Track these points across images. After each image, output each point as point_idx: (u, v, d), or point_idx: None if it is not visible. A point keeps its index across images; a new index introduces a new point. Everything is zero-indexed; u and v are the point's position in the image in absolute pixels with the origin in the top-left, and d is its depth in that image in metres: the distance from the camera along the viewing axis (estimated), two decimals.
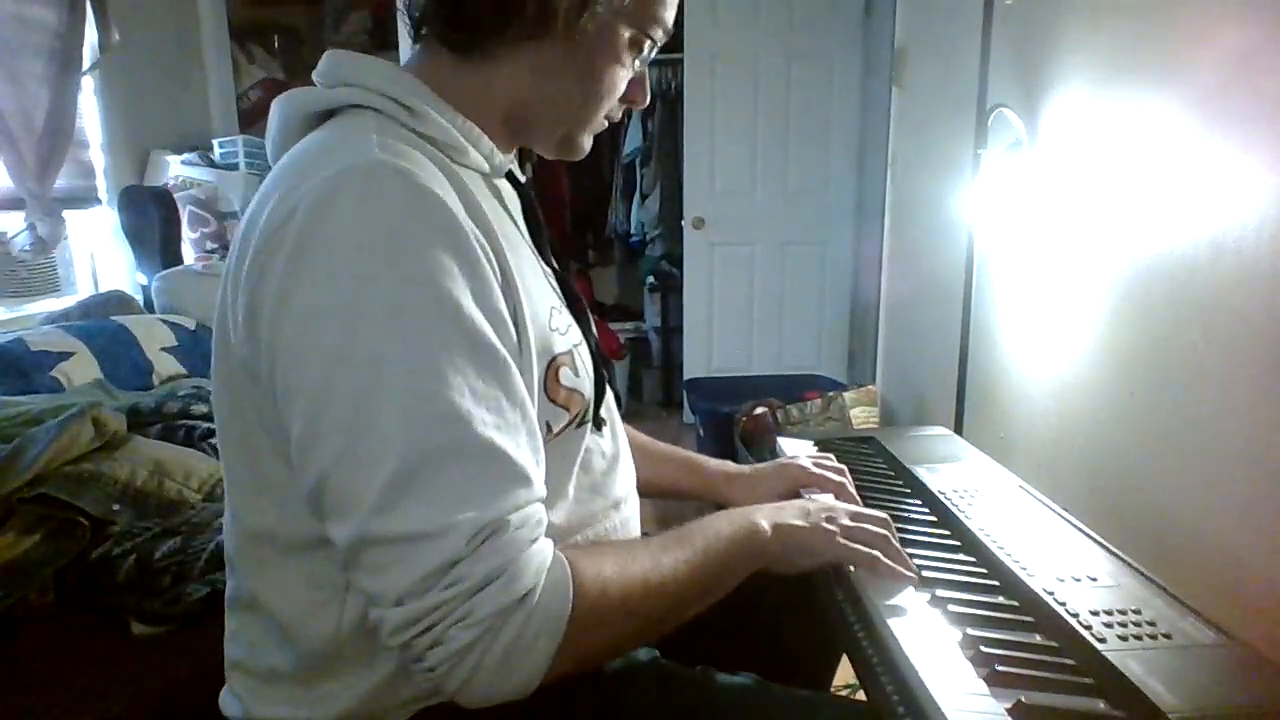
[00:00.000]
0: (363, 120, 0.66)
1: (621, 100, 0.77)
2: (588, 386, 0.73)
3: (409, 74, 0.70)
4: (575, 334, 0.74)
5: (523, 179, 0.78)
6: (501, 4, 0.67)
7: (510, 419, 0.59)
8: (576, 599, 0.59)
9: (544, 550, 0.60)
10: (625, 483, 0.82)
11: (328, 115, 0.69)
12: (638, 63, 0.75)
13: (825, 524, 0.78)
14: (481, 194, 0.68)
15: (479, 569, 0.55)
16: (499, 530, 0.56)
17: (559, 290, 0.76)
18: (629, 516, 0.82)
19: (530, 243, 0.76)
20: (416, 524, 0.54)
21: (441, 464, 0.56)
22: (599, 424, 0.77)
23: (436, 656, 0.55)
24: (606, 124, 0.79)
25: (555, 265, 0.78)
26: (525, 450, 0.60)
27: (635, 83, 0.77)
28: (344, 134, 0.65)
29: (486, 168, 0.72)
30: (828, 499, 0.91)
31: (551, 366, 0.68)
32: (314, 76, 0.71)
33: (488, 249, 0.62)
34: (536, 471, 0.61)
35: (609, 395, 0.79)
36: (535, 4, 0.66)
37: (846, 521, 0.79)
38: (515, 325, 0.63)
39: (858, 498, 0.96)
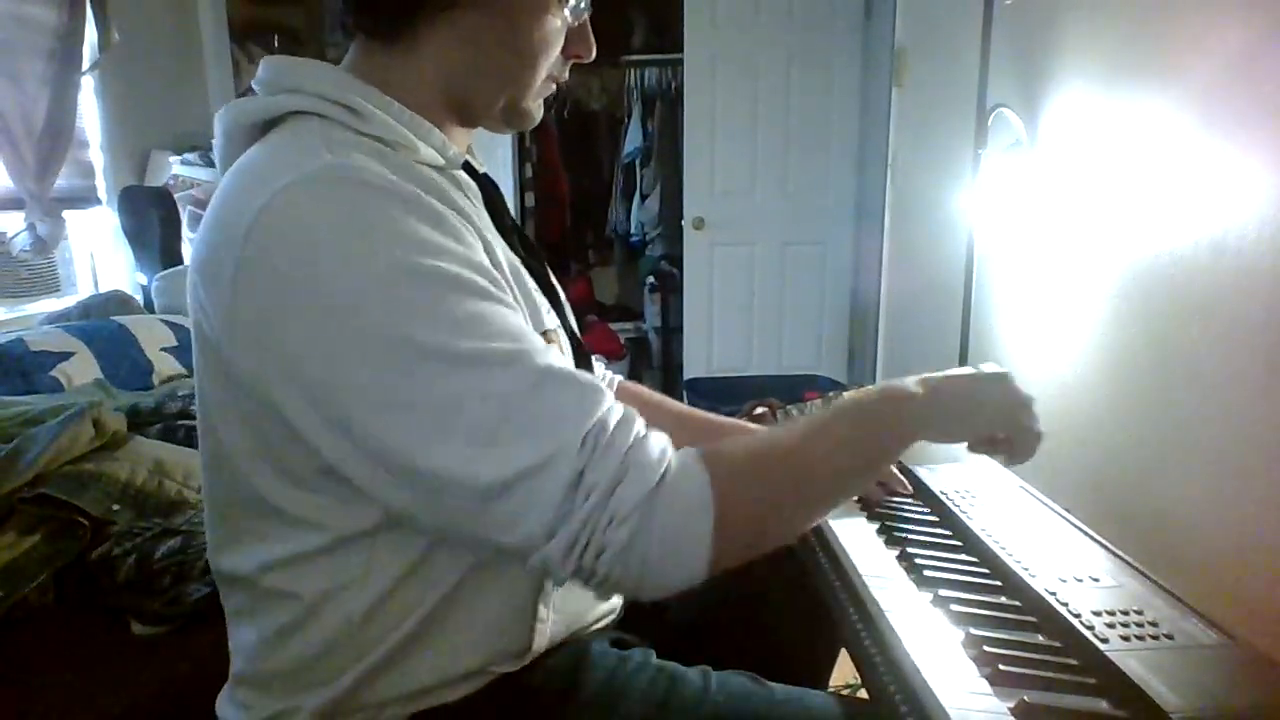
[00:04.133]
0: (308, 127, 0.65)
1: (565, 55, 0.75)
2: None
3: (349, 74, 0.69)
4: (554, 318, 0.74)
5: (480, 170, 0.77)
6: None
7: (544, 346, 0.61)
8: (713, 475, 0.59)
9: (660, 438, 0.60)
10: None
11: (271, 124, 0.68)
12: (568, 12, 0.72)
13: (989, 392, 0.76)
14: (439, 187, 0.68)
15: (604, 471, 0.56)
16: (600, 432, 0.57)
17: (532, 277, 0.76)
18: None
19: (497, 234, 0.75)
20: (524, 461, 0.55)
21: (517, 401, 0.56)
22: None
23: (606, 564, 0.56)
24: (554, 87, 0.77)
25: (524, 254, 0.77)
26: (573, 366, 0.61)
27: (575, 35, 0.74)
28: (289, 144, 0.64)
29: (441, 161, 0.71)
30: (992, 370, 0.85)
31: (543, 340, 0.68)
32: (253, 85, 0.70)
33: (462, 221, 0.63)
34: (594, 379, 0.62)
35: None
36: None
37: (1015, 399, 0.77)
38: (510, 290, 0.64)
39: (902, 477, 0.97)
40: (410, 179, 0.62)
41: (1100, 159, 1.40)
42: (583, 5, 0.74)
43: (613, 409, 0.59)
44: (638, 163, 3.98)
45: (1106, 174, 1.38)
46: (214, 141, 0.71)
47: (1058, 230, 1.55)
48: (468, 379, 0.56)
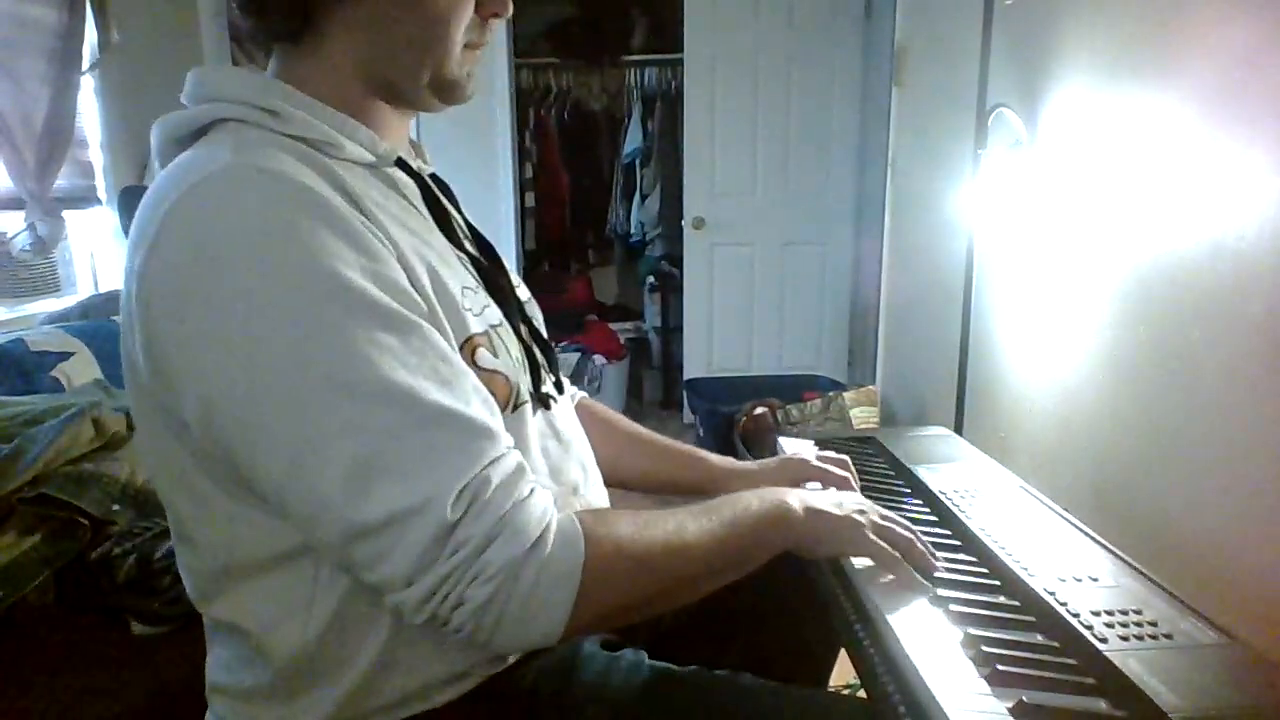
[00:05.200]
0: (224, 134, 0.65)
1: (481, 16, 0.71)
2: (510, 367, 0.71)
3: (270, 78, 0.69)
4: (494, 314, 0.72)
5: (416, 166, 0.75)
6: None
7: (449, 378, 0.59)
8: (589, 550, 0.59)
9: (543, 500, 0.60)
10: (580, 468, 0.81)
11: (201, 135, 0.67)
12: None
13: (855, 516, 0.78)
14: (366, 185, 0.67)
15: (478, 528, 0.55)
16: (482, 488, 0.56)
17: (476, 274, 0.74)
18: (593, 500, 0.82)
19: (439, 230, 0.73)
20: (395, 504, 0.54)
21: (399, 440, 0.55)
22: (545, 403, 0.76)
23: (461, 616, 0.56)
24: (479, 54, 0.74)
25: (472, 251, 0.76)
26: (478, 405, 0.60)
27: None
28: (202, 149, 0.64)
29: (370, 158, 0.70)
30: (858, 496, 0.89)
31: (466, 346, 0.67)
32: (181, 98, 0.70)
33: (371, 227, 0.61)
34: (496, 422, 0.61)
35: (550, 378, 0.79)
36: None
37: (875, 519, 0.78)
38: (421, 297, 0.62)
39: (859, 493, 0.95)
40: (329, 179, 0.61)
41: (1100, 159, 1.40)
42: None
43: (501, 460, 0.58)
44: (638, 163, 3.98)
45: (1107, 174, 1.38)
46: (152, 156, 0.71)
47: (1058, 230, 1.55)
48: (350, 409, 0.55)
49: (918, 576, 0.75)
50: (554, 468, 0.76)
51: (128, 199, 2.61)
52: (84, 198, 2.54)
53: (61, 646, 1.16)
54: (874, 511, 0.80)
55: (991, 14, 1.77)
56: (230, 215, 0.57)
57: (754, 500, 0.74)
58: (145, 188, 2.88)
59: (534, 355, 0.76)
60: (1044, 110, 1.58)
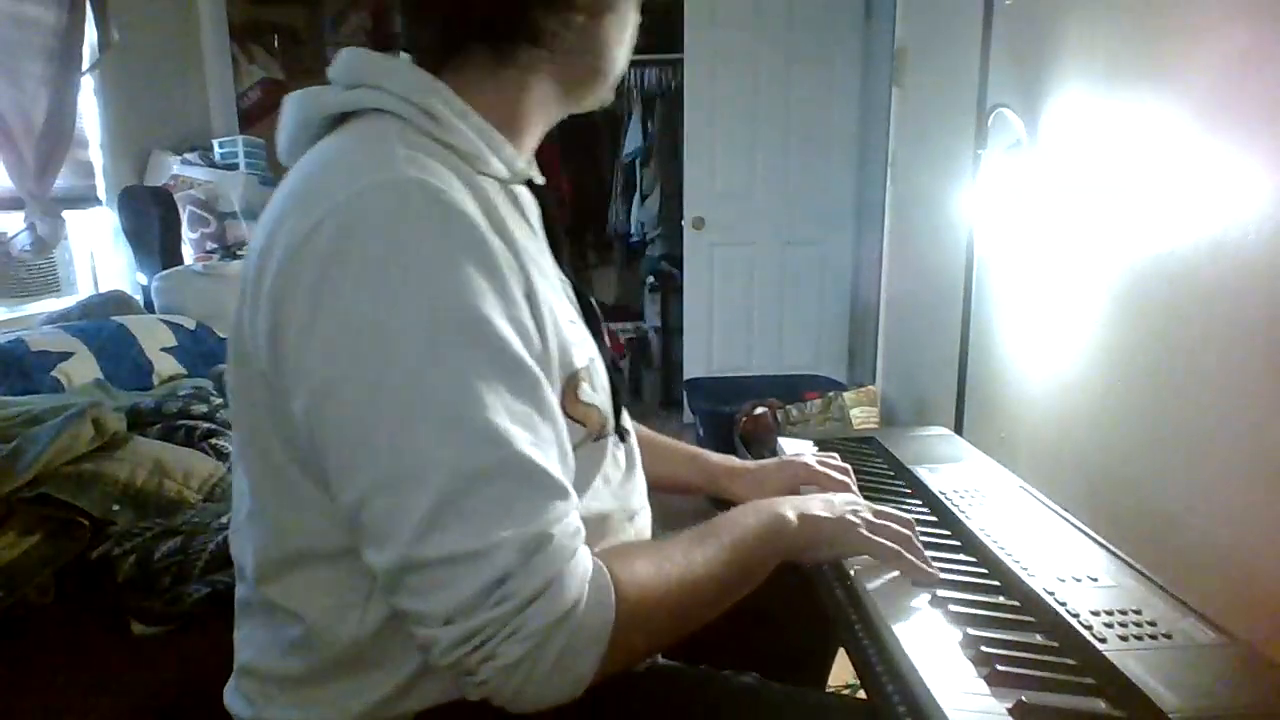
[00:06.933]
0: (384, 127, 0.64)
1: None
2: (604, 401, 0.71)
3: (430, 76, 0.68)
4: (590, 347, 0.72)
5: (541, 181, 0.76)
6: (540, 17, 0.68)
7: (543, 434, 0.59)
8: (618, 604, 0.59)
9: (585, 559, 0.59)
10: (640, 493, 0.82)
11: (343, 116, 0.67)
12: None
13: (849, 516, 0.78)
14: (502, 204, 0.67)
15: (528, 584, 0.54)
16: (543, 544, 0.55)
17: (575, 301, 0.75)
18: (643, 527, 0.82)
19: (549, 256, 0.74)
20: (460, 544, 0.54)
21: (483, 485, 0.55)
22: (623, 435, 0.77)
23: (488, 670, 0.55)
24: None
25: (570, 274, 0.77)
26: (557, 463, 0.60)
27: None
28: (367, 143, 0.63)
29: (506, 174, 0.70)
30: (850, 495, 0.89)
31: (570, 383, 0.67)
32: (330, 75, 0.69)
33: (513, 264, 0.61)
34: (569, 476, 0.61)
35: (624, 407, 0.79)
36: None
37: (869, 516, 0.79)
38: (541, 339, 0.62)
39: (860, 496, 0.95)
40: (480, 201, 0.61)
41: (1100, 159, 1.40)
42: None
43: (565, 520, 0.58)
44: (638, 162, 3.98)
45: (1106, 174, 1.38)
46: (282, 127, 0.70)
47: (1058, 230, 1.55)
48: (452, 445, 0.55)
49: (919, 564, 0.76)
50: (621, 495, 0.76)
51: (128, 199, 2.61)
52: (84, 198, 2.54)
53: (61, 646, 1.16)
54: (866, 509, 0.80)
55: (991, 14, 1.77)
56: (393, 232, 0.56)
57: (750, 517, 0.74)
58: (145, 188, 2.88)
59: (616, 386, 0.75)
60: (1044, 111, 1.58)
